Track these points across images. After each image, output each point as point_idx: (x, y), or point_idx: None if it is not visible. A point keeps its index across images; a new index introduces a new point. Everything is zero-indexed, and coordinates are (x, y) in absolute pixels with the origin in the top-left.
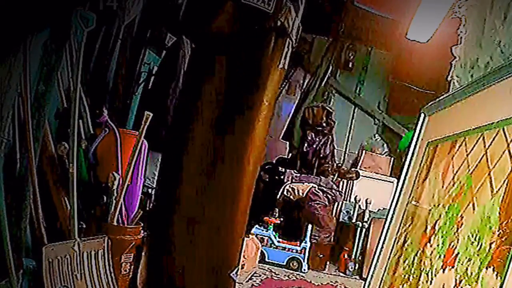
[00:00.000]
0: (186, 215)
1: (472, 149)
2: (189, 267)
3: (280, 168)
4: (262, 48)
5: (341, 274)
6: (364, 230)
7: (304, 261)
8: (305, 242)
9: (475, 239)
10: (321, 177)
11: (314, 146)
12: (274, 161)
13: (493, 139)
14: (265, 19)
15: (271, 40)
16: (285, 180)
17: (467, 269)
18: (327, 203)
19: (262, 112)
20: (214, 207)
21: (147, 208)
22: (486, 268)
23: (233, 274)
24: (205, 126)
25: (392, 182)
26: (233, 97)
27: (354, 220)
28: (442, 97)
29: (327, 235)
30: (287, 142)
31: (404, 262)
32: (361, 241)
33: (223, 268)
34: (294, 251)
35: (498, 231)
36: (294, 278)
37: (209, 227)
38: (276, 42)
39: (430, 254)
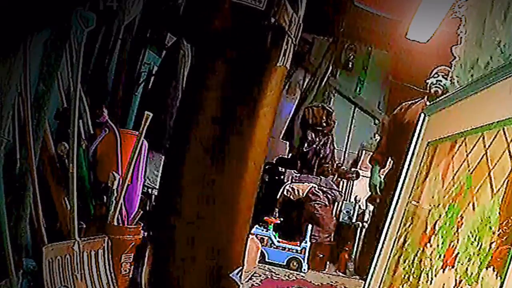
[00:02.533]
0: (187, 216)
1: (472, 149)
2: (189, 268)
3: (280, 168)
4: (258, 47)
5: (341, 274)
6: (364, 230)
7: (304, 261)
8: (305, 242)
9: (475, 239)
10: (321, 177)
11: (314, 146)
12: (274, 161)
13: (493, 139)
14: (259, 17)
15: (267, 38)
16: (285, 180)
17: (467, 269)
18: (327, 203)
19: (262, 111)
20: (216, 207)
21: (147, 208)
22: (486, 268)
23: (234, 275)
24: (207, 126)
25: None
26: (234, 96)
27: (354, 220)
28: (442, 97)
29: (327, 235)
30: (287, 142)
31: (404, 262)
32: (361, 241)
33: (225, 269)
34: (294, 251)
35: (498, 231)
36: (294, 278)
37: (210, 227)
38: (273, 40)
39: (430, 254)
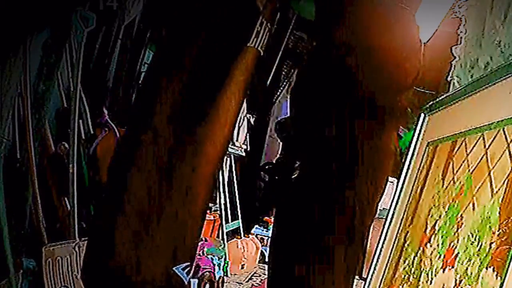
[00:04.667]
0: (137, 211)
1: (472, 149)
2: (140, 259)
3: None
4: (230, 26)
5: None
6: None
7: None
8: None
9: (475, 239)
10: None
11: None
12: (274, 161)
13: (493, 139)
14: None
15: (239, 17)
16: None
17: (467, 269)
18: None
19: (228, 93)
20: (170, 202)
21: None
22: (486, 268)
23: (178, 270)
24: (166, 111)
25: (392, 182)
26: (201, 70)
27: None
28: (442, 97)
29: None
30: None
31: (404, 262)
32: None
33: (177, 259)
34: None
35: (498, 231)
36: None
37: (163, 224)
38: (245, 19)
39: (430, 254)
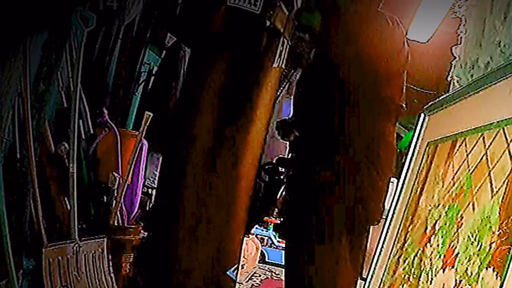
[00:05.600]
0: (189, 216)
1: (472, 149)
2: (191, 268)
3: (280, 168)
4: (254, 49)
5: None
6: None
7: None
8: None
9: (475, 239)
10: None
11: None
12: (274, 161)
13: (493, 139)
14: (254, 21)
15: (262, 41)
16: (285, 180)
17: (467, 269)
18: None
19: (260, 111)
20: (215, 206)
21: (147, 208)
22: (486, 268)
23: (230, 272)
24: (205, 126)
25: (392, 182)
26: (232, 96)
27: None
28: (442, 97)
29: None
30: (287, 142)
31: (404, 262)
32: None
33: (223, 267)
34: None
35: (498, 231)
36: None
37: (210, 227)
38: (268, 42)
39: (430, 254)
